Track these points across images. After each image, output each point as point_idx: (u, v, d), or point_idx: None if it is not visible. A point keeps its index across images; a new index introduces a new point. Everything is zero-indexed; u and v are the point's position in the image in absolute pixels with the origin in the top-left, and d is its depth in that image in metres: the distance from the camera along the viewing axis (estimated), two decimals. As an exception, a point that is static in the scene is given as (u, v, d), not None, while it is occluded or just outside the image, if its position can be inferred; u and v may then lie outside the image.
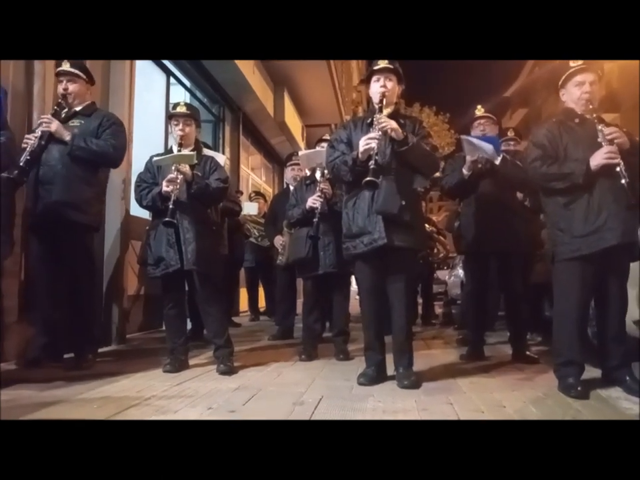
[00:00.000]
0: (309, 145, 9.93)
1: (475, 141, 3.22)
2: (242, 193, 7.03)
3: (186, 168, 2.92)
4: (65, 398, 2.28)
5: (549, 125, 2.66)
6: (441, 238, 6.98)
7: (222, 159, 4.78)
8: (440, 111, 26.02)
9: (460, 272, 7.58)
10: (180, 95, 6.11)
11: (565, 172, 2.45)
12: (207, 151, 4.48)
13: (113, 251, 4.25)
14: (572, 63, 2.55)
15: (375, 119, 2.56)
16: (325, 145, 3.74)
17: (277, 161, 10.69)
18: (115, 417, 1.98)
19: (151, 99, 5.56)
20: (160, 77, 5.78)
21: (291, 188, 4.72)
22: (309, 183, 3.62)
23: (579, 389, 2.33)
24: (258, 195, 7.17)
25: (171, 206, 2.82)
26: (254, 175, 9.50)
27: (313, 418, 1.97)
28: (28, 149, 2.82)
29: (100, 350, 3.53)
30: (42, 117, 3.04)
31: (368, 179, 2.39)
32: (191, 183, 2.96)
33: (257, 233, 6.24)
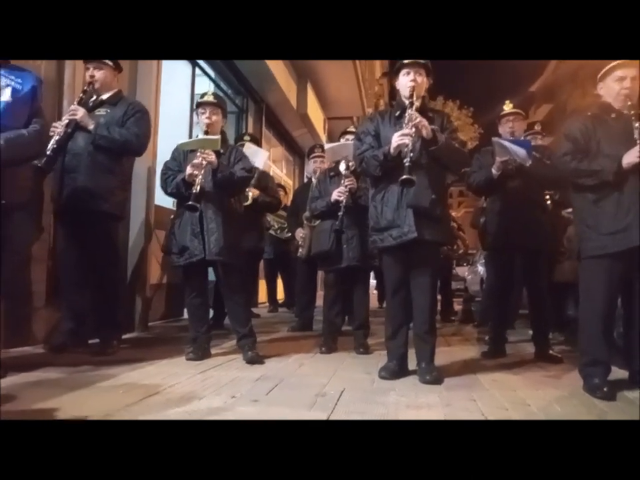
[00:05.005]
0: (331, 138, 9.92)
1: (508, 144, 3.16)
2: (283, 188, 7.02)
3: (212, 156, 2.94)
4: (91, 382, 2.32)
5: (583, 118, 2.60)
6: (461, 234, 6.94)
7: (265, 155, 4.81)
8: (463, 105, 25.72)
9: (480, 269, 7.53)
10: (205, 86, 6.13)
11: (594, 169, 2.41)
12: (251, 146, 4.52)
13: (137, 240, 4.31)
14: None
15: (407, 115, 2.52)
16: (349, 137, 3.74)
17: (298, 153, 10.69)
18: (141, 402, 2.01)
19: (177, 90, 5.59)
20: (185, 67, 5.82)
21: (313, 180, 4.72)
22: (332, 175, 3.61)
23: (604, 389, 2.29)
24: (279, 187, 7.17)
25: (194, 190, 2.84)
26: (275, 167, 9.52)
27: (335, 410, 1.98)
28: (55, 137, 2.85)
29: (123, 337, 3.58)
30: (71, 106, 3.08)
31: (405, 177, 2.36)
32: (215, 170, 2.98)
33: (276, 225, 6.26)
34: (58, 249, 3.30)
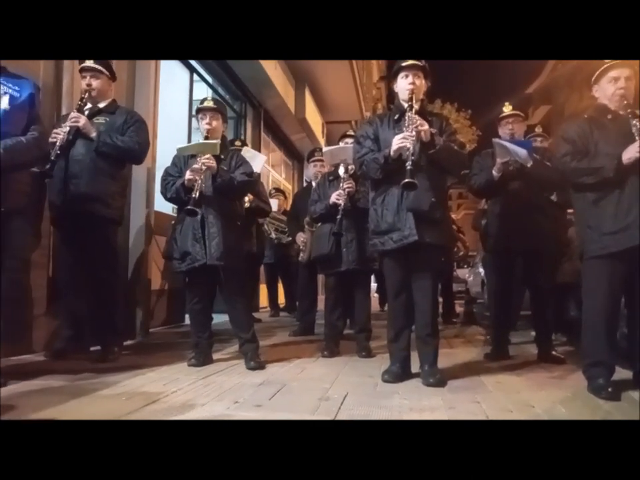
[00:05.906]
0: (330, 142, 9.93)
1: (509, 145, 3.14)
2: (283, 193, 7.05)
3: (211, 161, 2.94)
4: (93, 390, 2.31)
5: (579, 121, 2.61)
6: (461, 236, 6.94)
7: (262, 159, 4.81)
8: (461, 108, 25.83)
9: (481, 270, 7.51)
10: (203, 92, 6.16)
11: (595, 166, 2.40)
12: (249, 150, 4.53)
13: (137, 245, 4.29)
14: None
15: (407, 118, 2.51)
16: (348, 140, 3.74)
17: (297, 157, 10.70)
18: (143, 409, 2.00)
19: (175, 96, 5.60)
20: (183, 73, 5.84)
21: (313, 184, 4.71)
22: (332, 179, 3.61)
23: (609, 390, 2.28)
24: (278, 191, 7.19)
25: (194, 195, 2.82)
26: (274, 172, 9.52)
27: (339, 414, 1.97)
28: (58, 143, 2.87)
29: (124, 343, 3.56)
30: (72, 113, 3.08)
31: (407, 180, 2.35)
32: (215, 175, 2.98)
33: (272, 230, 6.22)
34: (57, 254, 3.29)
